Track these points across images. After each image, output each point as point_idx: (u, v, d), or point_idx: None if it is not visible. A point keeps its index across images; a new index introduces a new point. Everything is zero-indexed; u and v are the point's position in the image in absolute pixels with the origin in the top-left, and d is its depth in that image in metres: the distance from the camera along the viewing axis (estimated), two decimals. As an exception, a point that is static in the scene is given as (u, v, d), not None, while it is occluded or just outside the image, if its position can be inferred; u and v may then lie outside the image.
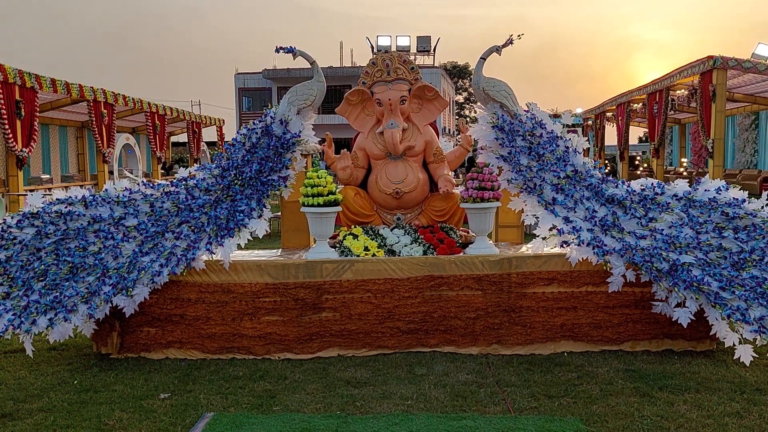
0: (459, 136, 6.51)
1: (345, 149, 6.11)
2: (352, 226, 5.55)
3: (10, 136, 15.44)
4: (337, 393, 4.12)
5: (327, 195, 5.06)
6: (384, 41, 42.46)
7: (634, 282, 4.73)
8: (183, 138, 31.37)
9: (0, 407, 3.92)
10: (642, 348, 4.93)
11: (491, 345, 4.93)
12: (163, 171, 26.49)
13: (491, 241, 5.38)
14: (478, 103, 5.82)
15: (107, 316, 4.74)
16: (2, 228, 4.83)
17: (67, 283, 4.69)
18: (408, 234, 5.35)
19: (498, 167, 5.15)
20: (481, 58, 5.29)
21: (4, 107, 15.04)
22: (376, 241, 5.24)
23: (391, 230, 5.46)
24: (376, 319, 4.89)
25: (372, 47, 42.38)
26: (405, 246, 5.18)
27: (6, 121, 15.20)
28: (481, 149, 5.32)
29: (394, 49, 40.34)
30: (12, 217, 4.88)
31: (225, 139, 33.32)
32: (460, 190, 5.37)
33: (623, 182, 5.00)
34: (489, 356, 4.84)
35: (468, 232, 5.63)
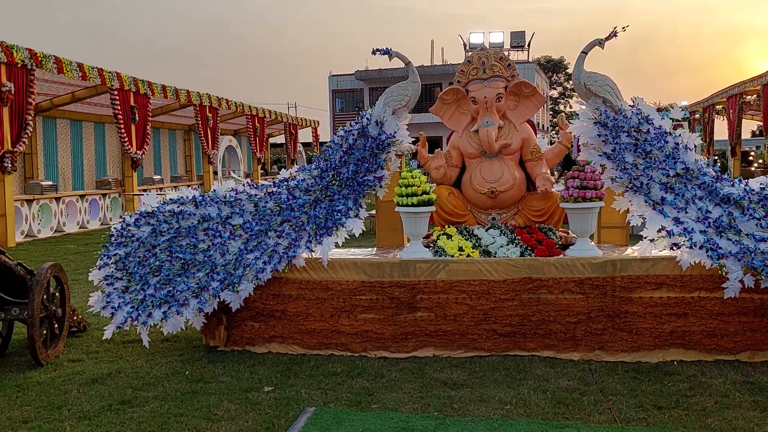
0: (553, 132, 6.35)
1: (438, 148, 6.12)
2: (446, 226, 5.55)
3: (126, 139, 16.54)
4: (434, 394, 4.13)
5: (421, 195, 5.09)
6: (476, 38, 42.03)
7: (753, 288, 4.44)
8: (280, 139, 32.39)
9: (120, 394, 4.23)
10: (762, 359, 4.62)
11: (594, 351, 4.78)
12: (262, 171, 27.48)
13: (593, 243, 5.22)
14: (575, 99, 5.66)
15: (215, 310, 4.99)
16: (122, 226, 5.20)
17: (179, 279, 4.98)
18: (504, 234, 5.28)
19: (601, 165, 4.98)
20: (582, 52, 5.14)
21: (120, 113, 16.14)
22: (471, 241, 5.21)
23: (486, 230, 5.41)
24: (471, 321, 4.86)
25: (464, 45, 42.04)
26: (501, 247, 5.12)
27: (122, 126, 16.31)
28: (583, 146, 5.17)
29: (487, 45, 39.82)
30: (130, 216, 5.24)
31: (320, 140, 34.16)
32: (559, 189, 5.25)
33: (740, 180, 4.71)
34: (591, 362, 4.70)
35: (568, 233, 5.49)
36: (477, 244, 5.18)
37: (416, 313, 4.93)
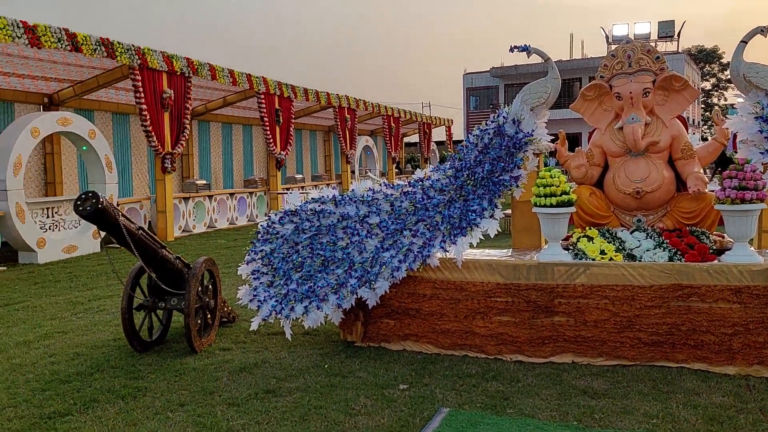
0: (705, 127, 5.87)
1: (579, 147, 5.88)
2: (587, 228, 5.32)
3: (271, 140, 17.49)
4: (573, 402, 3.98)
5: (560, 195, 4.92)
6: (620, 30, 39.93)
7: None
8: (415, 138, 32.74)
9: (265, 383, 4.48)
10: None
11: (752, 366, 4.37)
12: (397, 170, 27.92)
13: (753, 249, 4.77)
14: (731, 91, 5.20)
15: (353, 306, 5.14)
16: (267, 224, 5.51)
17: (319, 275, 5.19)
18: (650, 238, 4.97)
19: (762, 164, 4.54)
20: (741, 41, 4.73)
21: (266, 115, 17.09)
22: (614, 244, 4.96)
23: (631, 233, 5.12)
24: (613, 328, 4.63)
25: (607, 37, 40.08)
26: (647, 251, 4.82)
27: (268, 128, 17.26)
28: (741, 143, 4.75)
29: (632, 37, 37.67)
30: (275, 214, 5.54)
31: (453, 139, 34.10)
32: (713, 190, 4.85)
33: None
34: (749, 378, 4.30)
35: (723, 237, 5.06)
36: (620, 247, 4.92)
37: (554, 317, 4.78)
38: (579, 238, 5.14)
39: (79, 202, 4.64)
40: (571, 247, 5.08)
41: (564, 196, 4.92)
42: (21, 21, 9.83)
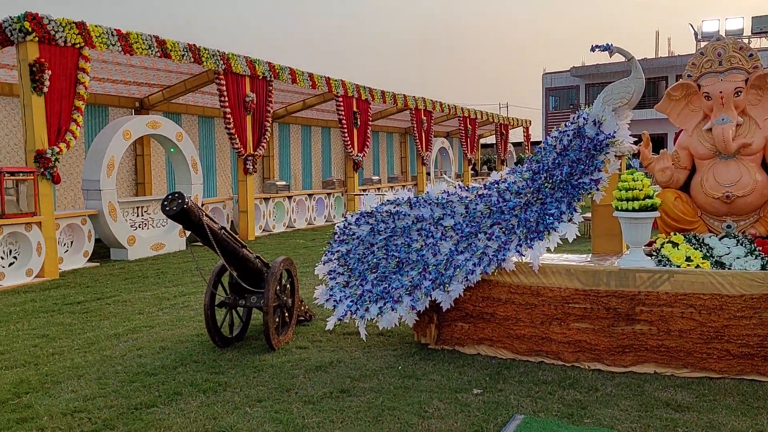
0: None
1: (664, 148, 5.65)
2: (672, 233, 5.11)
3: (349, 142, 17.74)
4: (655, 414, 3.83)
5: (643, 199, 4.74)
6: (710, 26, 38.01)
7: None
8: (491, 140, 32.35)
9: (340, 383, 4.55)
10: None
11: None
12: (472, 172, 27.70)
13: None
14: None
15: (427, 308, 5.14)
16: (344, 225, 5.60)
17: (394, 276, 5.22)
18: (741, 244, 4.72)
19: None
20: None
21: (344, 118, 17.36)
22: (701, 251, 4.74)
23: (720, 239, 4.88)
24: (699, 338, 4.42)
25: (695, 34, 38.28)
26: (737, 258, 4.57)
27: (346, 130, 17.53)
28: None
29: (722, 34, 35.80)
30: (352, 216, 5.62)
31: (531, 140, 33.48)
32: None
33: None
34: None
35: (823, 245, 4.73)
36: (708, 254, 4.70)
37: (635, 325, 4.61)
38: (663, 243, 4.94)
39: (165, 203, 4.87)
40: (654, 254, 4.89)
41: (647, 200, 4.73)
42: (115, 29, 10.41)
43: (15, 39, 9.10)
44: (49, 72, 9.35)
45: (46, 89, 9.35)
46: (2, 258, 9.09)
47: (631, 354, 4.63)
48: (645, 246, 4.95)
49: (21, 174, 9.32)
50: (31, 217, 9.29)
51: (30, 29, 9.03)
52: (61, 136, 9.73)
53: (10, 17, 9.06)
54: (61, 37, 9.48)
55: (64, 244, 10.48)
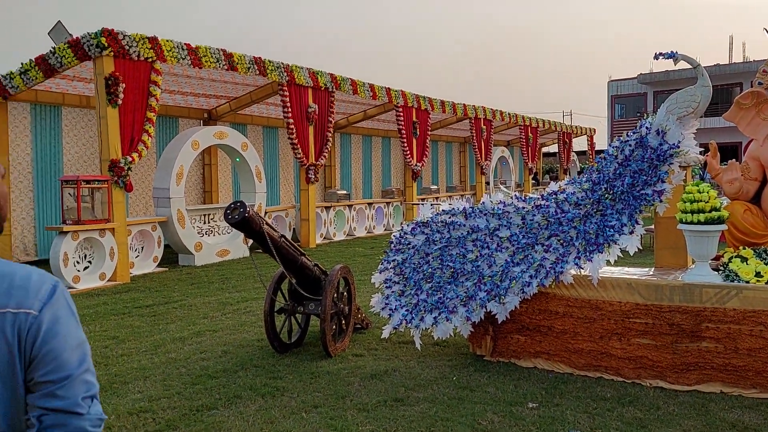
0: None
1: (733, 159, 5.44)
2: (740, 248, 4.91)
3: (408, 152, 17.82)
4: (719, 435, 3.69)
5: (710, 211, 4.58)
6: (790, 28, 36.15)
7: None
8: (554, 148, 31.80)
9: (395, 392, 4.58)
10: None
11: None
12: (533, 181, 27.30)
13: None
14: None
15: (482, 320, 5.11)
16: (400, 234, 5.64)
17: (449, 286, 5.22)
18: (817, 259, 4.49)
19: None
20: None
21: (404, 127, 17.45)
22: (773, 265, 4.53)
23: (794, 254, 4.65)
24: (770, 357, 4.23)
25: (773, 36, 36.50)
26: (813, 274, 4.35)
27: (405, 140, 17.62)
28: None
29: (804, 34, 34.02)
30: (408, 225, 5.65)
31: (595, 148, 32.71)
32: None
33: None
34: None
35: None
36: (780, 269, 4.49)
37: (700, 342, 4.45)
38: (731, 258, 4.76)
39: (228, 211, 5.04)
40: (721, 268, 4.71)
41: (714, 212, 4.57)
42: (185, 44, 10.84)
43: (92, 54, 9.60)
44: (123, 85, 9.81)
45: (120, 101, 9.81)
46: (78, 262, 9.56)
47: (695, 372, 4.47)
48: (711, 260, 4.78)
49: (96, 182, 9.81)
50: (105, 224, 9.75)
51: (106, 44, 9.51)
52: (134, 146, 10.19)
53: (88, 33, 9.57)
54: (134, 51, 9.94)
55: (135, 250, 10.94)
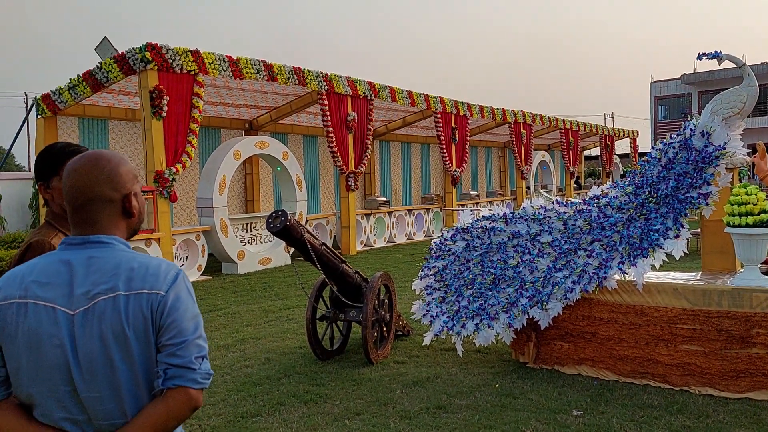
0: None
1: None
2: (794, 251, 4.75)
3: (447, 158, 17.79)
4: (772, 444, 3.58)
5: (758, 214, 4.45)
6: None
7: None
8: (595, 152, 31.29)
9: (437, 399, 4.57)
10: None
11: None
12: (575, 185, 26.90)
13: None
14: None
15: (524, 326, 5.07)
16: (440, 240, 5.64)
17: (490, 293, 5.20)
18: None
19: None
20: None
21: (443, 134, 17.44)
22: (828, 269, 4.38)
23: None
24: (826, 364, 4.08)
25: (826, 30, 35.28)
26: None
27: (444, 146, 17.60)
28: None
29: None
30: (448, 231, 5.65)
31: (638, 151, 32.07)
32: None
33: None
34: None
35: None
36: (835, 273, 4.34)
37: (751, 349, 4.33)
38: (782, 261, 4.61)
39: (270, 220, 5.12)
40: (772, 272, 4.57)
41: (763, 215, 4.44)
42: (226, 56, 11.07)
43: (137, 68, 9.90)
44: (167, 98, 10.07)
45: (164, 114, 10.08)
46: (126, 271, 9.81)
47: (747, 379, 4.35)
48: (761, 264, 4.64)
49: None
50: (151, 234, 10.01)
51: (150, 59, 9.78)
52: (178, 157, 10.44)
53: (133, 48, 9.86)
54: (177, 65, 10.20)
55: (180, 259, 11.19)
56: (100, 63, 10.33)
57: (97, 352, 1.45)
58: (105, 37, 11.86)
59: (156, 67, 9.90)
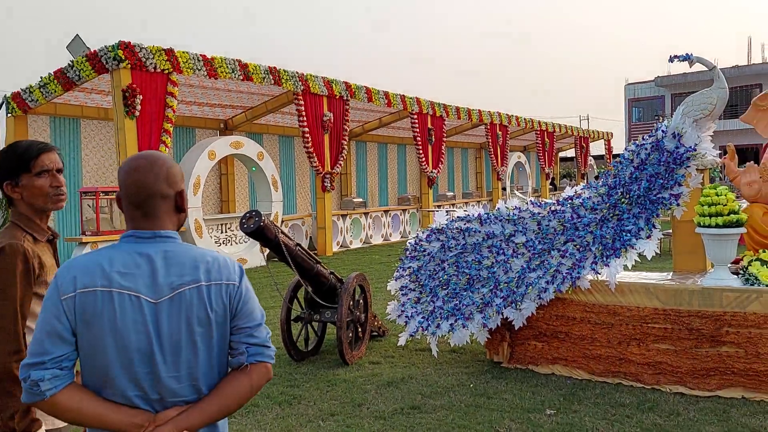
0: None
1: (752, 161, 5.38)
2: (760, 251, 4.84)
3: (423, 159, 17.82)
4: (740, 441, 3.63)
5: (728, 214, 4.52)
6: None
7: None
8: (571, 153, 31.63)
9: (411, 399, 4.57)
10: None
11: None
12: (551, 186, 27.14)
13: None
14: None
15: (499, 326, 5.09)
16: (415, 241, 5.63)
17: (465, 293, 5.21)
18: (840, 262, 4.41)
19: None
20: None
21: (419, 135, 17.46)
22: (795, 268, 4.46)
23: (816, 256, 4.58)
24: (793, 362, 4.15)
25: (792, 37, 36.14)
26: (835, 277, 4.28)
27: (420, 147, 17.62)
28: None
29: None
30: (423, 232, 5.65)
31: (613, 152, 32.48)
32: None
33: None
34: None
35: None
36: (801, 272, 4.42)
37: (721, 347, 4.39)
38: (751, 261, 4.69)
39: (243, 220, 5.07)
40: (741, 272, 4.65)
41: (732, 215, 4.52)
42: (201, 54, 10.96)
43: (110, 66, 9.75)
44: (141, 97, 9.94)
45: (137, 113, 9.93)
46: (97, 272, 9.66)
47: (716, 377, 4.41)
48: (731, 264, 4.72)
49: (115, 194, 9.91)
50: (124, 234, 9.84)
51: (123, 57, 9.64)
52: (151, 157, 10.29)
53: (105, 46, 9.71)
54: (151, 63, 10.07)
55: (153, 260, 11.01)
56: (72, 61, 10.15)
57: (182, 336, 1.61)
58: (77, 34, 11.67)
59: (129, 65, 9.76)
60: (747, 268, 4.61)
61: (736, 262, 4.84)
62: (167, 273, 1.63)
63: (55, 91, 10.55)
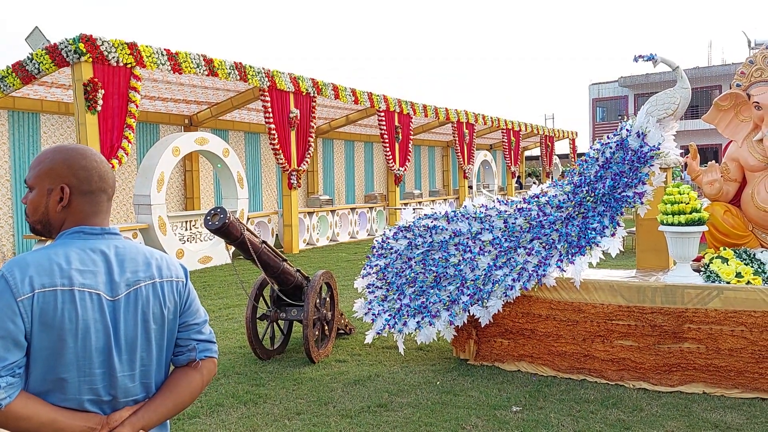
0: None
1: (713, 161, 5.49)
2: (721, 248, 4.95)
3: (390, 156, 17.81)
4: (701, 435, 3.69)
5: (690, 213, 4.60)
6: (764, 34, 36.72)
7: None
8: (536, 152, 31.99)
9: (378, 397, 4.54)
10: None
11: None
12: (516, 185, 27.40)
13: None
14: None
15: (465, 324, 5.10)
16: (382, 239, 5.60)
17: (431, 291, 5.20)
18: (796, 259, 4.53)
19: None
20: None
21: (386, 132, 17.44)
22: (752, 266, 4.57)
23: (773, 254, 4.69)
24: (751, 358, 4.25)
25: (749, 42, 37.13)
26: (792, 273, 4.39)
27: (387, 144, 17.60)
28: None
29: (779, 38, 34.56)
30: (390, 230, 5.62)
31: (577, 152, 32.98)
32: None
33: None
34: None
35: None
36: (760, 269, 4.53)
37: (683, 343, 4.47)
38: (712, 259, 4.79)
39: (208, 218, 4.97)
40: (702, 269, 4.74)
41: (694, 213, 4.60)
42: (165, 49, 10.74)
43: (70, 60, 9.48)
44: (102, 91, 9.69)
45: (99, 108, 9.69)
46: (56, 270, 9.40)
47: (678, 373, 4.49)
48: (692, 261, 4.81)
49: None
50: (84, 231, 9.59)
51: (84, 50, 9.39)
52: (114, 153, 10.06)
53: (66, 39, 9.44)
54: (113, 57, 9.83)
55: (115, 258, 10.77)
56: (31, 54, 9.85)
57: (138, 333, 1.60)
58: (36, 26, 11.33)
59: (90, 59, 9.51)
60: (708, 266, 4.71)
61: (698, 259, 4.93)
62: (122, 269, 1.60)
63: (14, 85, 10.22)
